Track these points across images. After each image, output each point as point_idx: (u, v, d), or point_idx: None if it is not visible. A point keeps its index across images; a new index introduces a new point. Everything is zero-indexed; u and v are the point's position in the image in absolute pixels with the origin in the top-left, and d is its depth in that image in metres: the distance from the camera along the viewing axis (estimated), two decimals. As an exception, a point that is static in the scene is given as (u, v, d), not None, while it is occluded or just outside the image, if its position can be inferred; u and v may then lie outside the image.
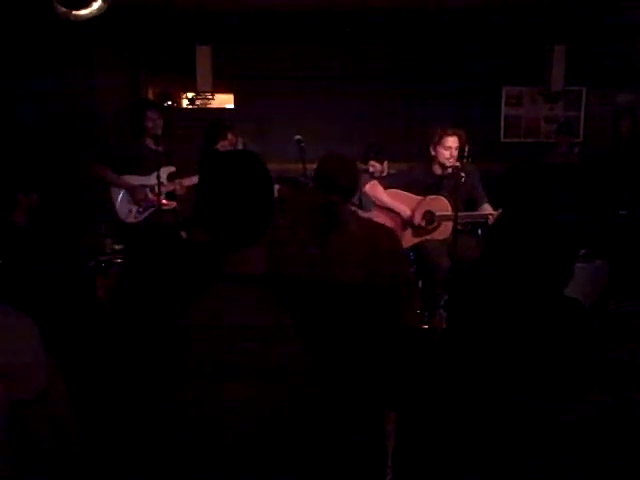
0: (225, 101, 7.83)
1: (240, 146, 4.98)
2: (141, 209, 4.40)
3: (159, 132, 4.39)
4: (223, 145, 4.80)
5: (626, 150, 6.61)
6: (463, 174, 3.99)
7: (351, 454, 1.36)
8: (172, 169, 4.40)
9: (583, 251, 4.36)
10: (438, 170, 4.24)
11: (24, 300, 1.80)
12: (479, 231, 4.52)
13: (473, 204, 4.32)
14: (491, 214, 4.09)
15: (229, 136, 4.85)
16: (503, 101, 7.31)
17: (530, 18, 6.31)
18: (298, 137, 4.61)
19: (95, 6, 3.87)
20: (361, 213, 4.82)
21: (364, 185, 4.42)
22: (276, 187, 4.58)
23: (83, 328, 3.34)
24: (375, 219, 4.36)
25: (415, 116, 6.72)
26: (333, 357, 1.32)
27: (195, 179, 4.41)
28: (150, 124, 4.37)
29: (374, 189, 4.38)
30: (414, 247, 4.43)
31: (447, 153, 4.13)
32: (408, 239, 4.38)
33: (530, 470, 1.62)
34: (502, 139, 7.33)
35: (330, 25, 6.49)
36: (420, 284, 4.48)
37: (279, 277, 1.36)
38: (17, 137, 4.84)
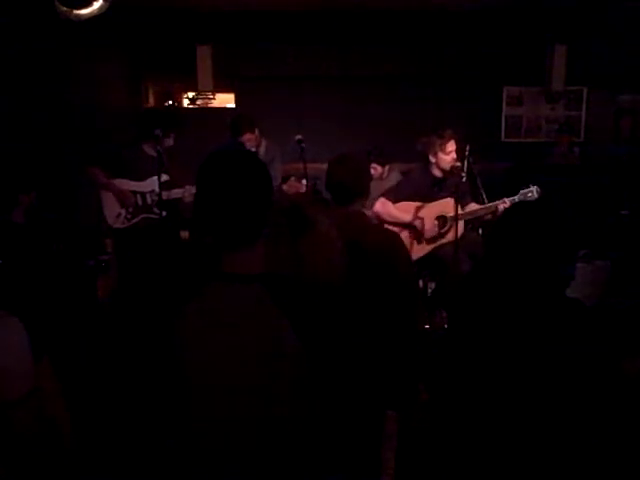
0: (226, 100, 7.83)
1: (263, 148, 4.93)
2: (129, 215, 4.36)
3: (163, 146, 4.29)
4: (249, 138, 4.73)
5: (626, 150, 6.61)
6: (463, 173, 3.97)
7: (347, 453, 1.36)
8: (166, 177, 4.29)
9: (583, 251, 4.36)
10: (437, 172, 4.19)
11: (24, 299, 1.79)
12: (480, 231, 4.51)
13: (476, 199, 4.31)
14: (503, 202, 3.98)
15: (256, 131, 4.81)
16: (504, 101, 7.31)
17: (530, 18, 6.31)
18: (298, 137, 4.59)
19: (96, 5, 3.86)
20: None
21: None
22: (284, 186, 4.56)
23: (82, 327, 3.34)
24: None
25: (415, 116, 6.72)
26: (329, 357, 1.32)
27: (180, 191, 4.30)
28: (160, 133, 4.23)
29: (385, 207, 4.21)
30: (430, 255, 4.29)
31: (449, 157, 4.09)
32: (422, 248, 4.27)
33: (528, 469, 1.63)
34: (503, 139, 7.32)
35: (330, 25, 6.49)
36: (431, 287, 4.44)
37: (273, 277, 1.36)
38: (17, 136, 4.84)
